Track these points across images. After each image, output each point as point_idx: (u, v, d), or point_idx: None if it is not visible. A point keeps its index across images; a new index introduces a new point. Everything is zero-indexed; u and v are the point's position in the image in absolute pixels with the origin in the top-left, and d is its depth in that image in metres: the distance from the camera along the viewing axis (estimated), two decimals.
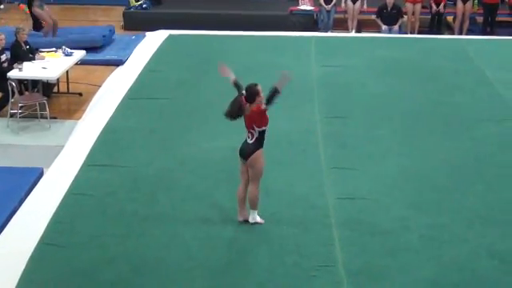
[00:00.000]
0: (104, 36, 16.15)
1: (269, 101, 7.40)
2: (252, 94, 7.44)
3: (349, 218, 7.93)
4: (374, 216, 7.97)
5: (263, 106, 7.40)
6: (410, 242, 7.49)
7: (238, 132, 9.97)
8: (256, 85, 7.51)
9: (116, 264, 7.03)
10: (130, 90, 11.85)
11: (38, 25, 16.51)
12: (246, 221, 7.71)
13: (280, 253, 7.25)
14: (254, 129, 7.47)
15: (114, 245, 7.36)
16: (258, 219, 7.69)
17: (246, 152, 7.52)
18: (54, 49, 13.14)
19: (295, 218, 7.91)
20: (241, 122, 10.30)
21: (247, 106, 7.43)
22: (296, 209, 8.10)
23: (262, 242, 7.44)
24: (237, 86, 7.67)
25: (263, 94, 7.44)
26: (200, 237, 7.50)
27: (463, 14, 17.92)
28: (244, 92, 7.48)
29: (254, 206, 7.64)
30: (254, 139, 7.49)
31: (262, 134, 7.49)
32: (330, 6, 17.99)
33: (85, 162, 9.20)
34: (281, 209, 8.09)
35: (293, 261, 7.11)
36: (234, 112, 7.45)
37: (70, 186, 8.55)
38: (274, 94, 7.38)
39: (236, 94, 7.56)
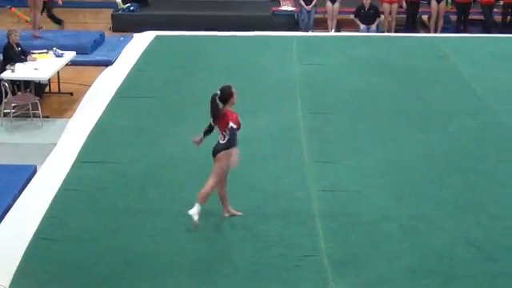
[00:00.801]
0: (95, 41, 16.06)
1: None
2: (226, 94, 7.32)
3: (331, 209, 7.92)
4: (356, 207, 7.97)
5: (231, 124, 7.22)
6: (391, 231, 7.49)
7: None
8: (230, 86, 7.41)
9: (108, 257, 6.99)
10: (119, 89, 11.79)
11: None
12: (232, 215, 7.67)
13: (265, 244, 7.22)
14: (225, 131, 7.31)
15: (105, 238, 7.32)
16: (196, 217, 7.24)
17: (216, 151, 7.38)
18: (45, 50, 13.06)
19: (279, 210, 7.88)
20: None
21: (221, 106, 7.34)
22: (280, 202, 8.08)
23: (247, 234, 7.41)
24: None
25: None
26: (188, 230, 7.45)
27: (438, 13, 17.96)
28: (218, 92, 7.34)
29: (201, 200, 7.32)
30: (225, 140, 7.32)
31: (232, 136, 7.28)
32: (310, 6, 17.96)
33: (76, 158, 9.15)
34: (265, 202, 8.06)
35: (278, 252, 7.09)
36: (213, 113, 7.36)
37: (62, 183, 8.49)
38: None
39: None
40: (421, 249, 7.18)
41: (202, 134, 7.58)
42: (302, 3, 17.98)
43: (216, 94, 7.32)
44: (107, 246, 7.16)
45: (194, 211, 7.29)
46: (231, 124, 7.23)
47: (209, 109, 7.38)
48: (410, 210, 7.93)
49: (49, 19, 17.46)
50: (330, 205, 8.01)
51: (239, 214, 7.69)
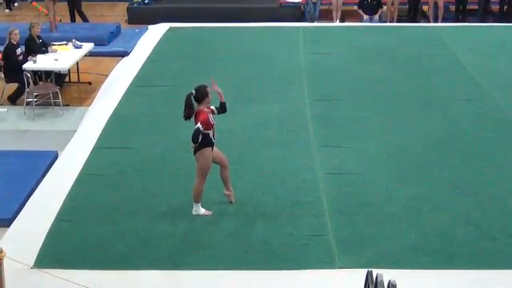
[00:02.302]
0: (112, 33, 16.04)
1: (219, 112, 7.41)
2: (201, 94, 7.15)
3: (337, 191, 7.91)
4: (361, 189, 7.96)
5: (199, 126, 7.06)
6: (394, 211, 7.48)
7: (233, 116, 9.99)
8: (205, 86, 7.24)
9: (126, 237, 7.01)
10: (135, 78, 11.80)
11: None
12: (229, 196, 7.62)
13: (275, 224, 7.23)
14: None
15: (124, 220, 7.34)
16: (202, 211, 7.37)
17: (194, 150, 7.23)
18: (64, 42, 13.06)
19: (288, 192, 7.89)
20: (235, 107, 10.34)
21: (196, 105, 7.17)
22: (288, 184, 8.07)
23: (258, 215, 7.42)
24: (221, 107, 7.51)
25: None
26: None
27: (437, 4, 17.83)
28: (194, 92, 7.16)
29: (196, 199, 7.34)
30: (200, 138, 7.13)
31: (205, 135, 7.13)
32: None
33: (96, 144, 9.17)
34: (274, 184, 8.06)
35: (287, 231, 7.10)
36: (186, 112, 7.18)
37: (82, 167, 8.52)
38: (222, 109, 7.43)
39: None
40: (422, 228, 7.17)
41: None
42: None
43: (191, 94, 7.15)
44: (125, 227, 7.18)
45: (198, 210, 7.36)
46: (198, 125, 7.04)
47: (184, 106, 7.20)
48: (412, 191, 7.92)
49: (77, 15, 17.41)
50: (336, 187, 8.00)
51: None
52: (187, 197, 7.70)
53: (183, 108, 7.19)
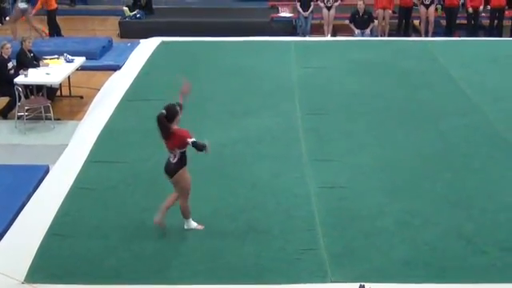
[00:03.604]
0: (103, 47, 16.06)
1: (196, 147, 7.01)
2: (172, 113, 7.00)
3: (329, 205, 7.90)
4: (353, 203, 7.95)
5: (189, 140, 6.94)
6: (386, 225, 7.47)
7: (225, 130, 10.00)
8: (175, 105, 7.11)
9: (118, 252, 6.98)
10: (127, 92, 11.78)
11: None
12: (159, 224, 7.25)
13: (266, 239, 7.21)
14: (175, 150, 7.03)
15: (115, 234, 7.30)
16: (194, 225, 7.32)
17: (169, 171, 7.11)
18: (56, 56, 13.05)
19: (280, 206, 7.87)
20: (228, 120, 10.35)
21: (169, 125, 6.99)
22: (280, 198, 8.06)
23: (249, 229, 7.39)
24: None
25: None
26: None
27: (427, 18, 17.94)
28: (164, 111, 6.99)
29: (186, 216, 7.29)
30: (176, 159, 7.04)
31: (183, 154, 7.04)
32: (307, 12, 17.96)
33: (87, 159, 9.14)
34: (266, 198, 8.05)
35: (279, 246, 7.07)
36: (163, 133, 7.02)
37: (73, 182, 8.48)
38: (200, 148, 7.03)
39: None
40: (414, 242, 7.17)
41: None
42: (300, 10, 17.98)
43: (162, 114, 6.97)
44: (117, 242, 7.15)
45: (190, 225, 7.32)
46: (189, 140, 6.94)
47: (161, 127, 7.04)
48: (404, 205, 7.91)
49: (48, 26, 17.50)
50: (328, 201, 7.99)
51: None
52: (178, 211, 7.67)
53: (159, 130, 7.01)
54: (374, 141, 9.69)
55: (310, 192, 8.18)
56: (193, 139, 6.99)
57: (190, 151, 7.15)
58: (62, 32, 17.75)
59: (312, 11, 17.99)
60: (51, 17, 17.58)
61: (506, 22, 18.27)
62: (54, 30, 17.65)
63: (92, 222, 7.55)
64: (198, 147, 7.01)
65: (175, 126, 7.05)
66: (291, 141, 9.70)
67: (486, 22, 18.37)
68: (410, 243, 7.14)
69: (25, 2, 16.89)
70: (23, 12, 16.78)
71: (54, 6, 17.53)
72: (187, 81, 7.44)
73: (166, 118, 6.99)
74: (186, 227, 7.33)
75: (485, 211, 7.78)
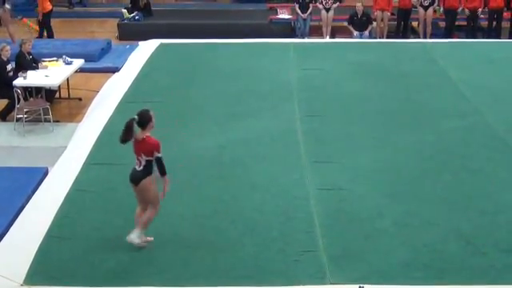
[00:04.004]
0: (102, 49, 16.07)
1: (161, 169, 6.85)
2: (144, 119, 6.83)
3: (328, 207, 7.90)
4: (351, 205, 7.94)
5: (158, 154, 6.78)
6: (385, 227, 7.47)
7: (224, 131, 10.01)
8: (148, 111, 6.92)
9: (117, 254, 6.96)
10: (126, 94, 11.78)
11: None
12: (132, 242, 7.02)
13: (265, 240, 7.20)
14: (141, 156, 6.83)
15: (114, 236, 7.28)
16: (137, 240, 6.93)
17: (135, 179, 6.91)
18: (55, 58, 13.06)
19: (279, 208, 7.86)
20: (227, 122, 10.35)
21: (139, 131, 6.83)
22: (280, 200, 8.05)
23: (248, 230, 7.39)
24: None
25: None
26: (192, 228, 7.46)
27: (426, 20, 17.97)
28: (136, 117, 6.83)
29: (143, 226, 6.97)
30: (141, 167, 6.84)
31: (149, 162, 6.83)
32: (306, 14, 17.99)
33: (86, 160, 9.13)
34: (265, 200, 8.04)
35: (278, 247, 7.07)
36: (123, 136, 6.85)
37: (72, 184, 8.48)
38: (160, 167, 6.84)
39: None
40: (413, 243, 7.16)
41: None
42: (299, 11, 18.00)
43: (133, 119, 6.81)
44: (115, 244, 7.14)
45: (136, 238, 6.94)
46: (157, 154, 6.78)
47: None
48: (403, 206, 7.91)
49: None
50: (327, 202, 7.99)
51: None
52: (179, 213, 7.70)
53: (122, 133, 6.87)
54: (373, 142, 9.69)
55: (309, 194, 8.18)
56: (160, 155, 6.81)
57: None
58: (59, 35, 17.76)
59: (311, 13, 18.02)
60: (45, 19, 17.58)
61: (504, 24, 18.27)
62: (47, 33, 17.65)
63: (91, 224, 7.55)
64: (161, 167, 6.83)
65: (147, 134, 6.86)
66: (290, 142, 9.69)
67: (484, 23, 18.38)
68: (409, 245, 7.13)
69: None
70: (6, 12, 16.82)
71: (49, 8, 17.52)
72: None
73: (138, 124, 6.82)
74: (133, 239, 6.93)
75: (484, 213, 7.78)
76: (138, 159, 6.90)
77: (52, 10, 17.75)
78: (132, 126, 6.82)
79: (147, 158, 6.84)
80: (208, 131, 10.03)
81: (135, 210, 7.27)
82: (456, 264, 6.82)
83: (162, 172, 6.91)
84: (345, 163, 9.00)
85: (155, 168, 6.90)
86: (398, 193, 8.24)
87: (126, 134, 6.85)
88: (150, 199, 6.99)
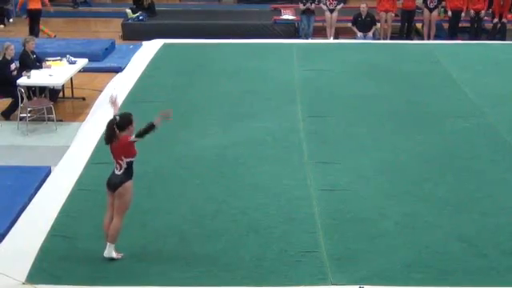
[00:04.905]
0: (106, 49, 16.09)
1: (140, 134, 6.57)
2: (124, 121, 6.66)
3: (330, 207, 7.90)
4: (354, 205, 7.94)
5: (131, 138, 6.59)
6: (387, 228, 7.47)
7: (227, 132, 10.01)
8: (130, 114, 6.76)
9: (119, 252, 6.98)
10: (129, 94, 11.79)
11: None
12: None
13: (268, 241, 7.20)
14: (122, 159, 6.68)
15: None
16: (114, 254, 6.79)
17: (114, 183, 6.72)
18: (59, 58, 13.07)
19: (281, 208, 7.86)
20: (230, 122, 10.36)
21: (118, 133, 6.66)
22: (282, 200, 8.05)
23: (251, 231, 7.39)
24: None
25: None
26: (195, 227, 7.46)
27: (430, 21, 17.97)
28: (117, 118, 6.68)
29: (113, 240, 6.77)
30: (122, 170, 6.70)
31: (130, 164, 6.69)
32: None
33: (89, 160, 9.14)
34: (267, 200, 8.04)
35: (279, 248, 7.07)
36: (107, 136, 6.70)
37: (75, 183, 8.49)
38: (148, 128, 6.54)
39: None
40: (415, 245, 7.15)
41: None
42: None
43: (114, 120, 6.67)
44: (118, 243, 7.11)
45: (111, 252, 6.80)
46: (132, 137, 6.61)
47: (142, 127, 6.67)
48: (405, 207, 7.91)
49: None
50: (329, 203, 7.99)
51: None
52: (181, 213, 7.70)
53: (105, 133, 6.77)
54: (376, 143, 9.68)
55: (312, 194, 8.18)
56: (133, 136, 6.61)
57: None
58: (63, 34, 17.79)
59: (314, 12, 17.97)
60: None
61: (509, 26, 18.25)
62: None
63: (93, 223, 7.53)
64: (146, 130, 6.54)
65: (124, 137, 6.69)
66: (293, 143, 9.69)
67: (488, 25, 18.36)
68: (410, 246, 7.13)
69: None
70: None
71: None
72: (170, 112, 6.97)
73: (117, 126, 6.67)
74: (106, 255, 6.80)
75: (486, 214, 7.77)
76: (118, 163, 6.72)
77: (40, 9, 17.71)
78: (113, 126, 6.68)
79: (127, 160, 6.70)
80: (211, 131, 10.03)
81: (136, 208, 7.27)
82: (457, 266, 6.81)
83: (151, 129, 6.57)
84: (347, 164, 9.00)
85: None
86: (400, 194, 8.23)
87: (109, 134, 6.69)
88: (124, 205, 6.78)
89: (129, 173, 6.74)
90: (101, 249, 7.01)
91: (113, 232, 6.79)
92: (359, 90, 11.88)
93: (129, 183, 6.74)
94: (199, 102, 11.28)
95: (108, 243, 6.82)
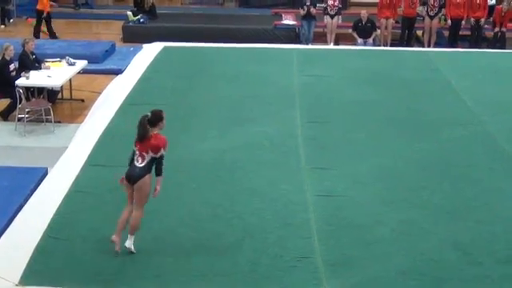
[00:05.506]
0: (106, 51, 16.10)
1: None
2: (156, 118, 6.92)
3: (326, 213, 7.89)
4: (350, 211, 7.94)
5: (162, 151, 6.86)
6: (383, 235, 7.46)
7: (226, 136, 10.02)
8: (161, 111, 7.02)
9: (113, 256, 6.94)
10: (128, 96, 11.79)
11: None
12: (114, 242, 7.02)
13: (263, 245, 7.19)
14: (147, 153, 6.85)
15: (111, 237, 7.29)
16: (133, 247, 6.95)
17: (134, 176, 6.88)
18: (58, 59, 13.07)
19: (277, 213, 7.86)
20: (228, 127, 10.36)
21: (149, 128, 6.89)
22: (278, 205, 8.05)
23: (246, 235, 7.38)
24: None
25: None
26: (191, 231, 7.45)
27: (430, 29, 17.99)
28: (149, 114, 6.94)
29: (133, 231, 6.96)
30: (144, 163, 6.85)
31: (153, 159, 6.87)
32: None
33: (86, 162, 9.14)
34: (264, 205, 8.03)
35: (275, 253, 7.06)
36: (140, 133, 6.89)
37: (72, 184, 8.48)
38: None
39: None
40: (411, 252, 7.15)
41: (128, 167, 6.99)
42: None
43: (146, 116, 6.92)
44: (113, 246, 7.12)
45: (131, 244, 6.95)
46: (162, 151, 6.86)
47: (143, 128, 6.91)
48: (402, 214, 7.90)
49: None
50: (325, 209, 7.98)
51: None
52: (177, 216, 7.69)
53: (138, 130, 6.93)
54: (374, 150, 9.68)
55: (308, 200, 8.17)
56: (164, 153, 6.89)
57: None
58: (64, 36, 17.82)
59: (315, 18, 17.98)
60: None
61: (509, 34, 18.26)
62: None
63: (89, 225, 7.54)
64: (161, 166, 6.92)
65: (156, 132, 6.94)
66: (291, 148, 9.69)
67: (489, 33, 18.37)
68: (406, 253, 7.13)
69: None
70: None
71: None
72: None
73: (149, 122, 6.91)
74: (127, 245, 6.94)
75: (482, 222, 7.77)
76: (141, 155, 6.88)
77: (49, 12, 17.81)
78: (145, 122, 6.90)
79: (153, 155, 6.87)
80: (209, 135, 10.03)
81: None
82: (452, 273, 6.80)
83: (161, 171, 6.96)
84: (344, 170, 8.99)
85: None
86: (396, 201, 8.23)
87: (143, 131, 6.89)
88: (144, 198, 6.96)
89: (150, 167, 6.89)
90: (96, 251, 7.03)
91: (134, 223, 6.95)
92: (358, 96, 11.89)
93: (148, 176, 6.87)
94: (198, 106, 11.28)
95: (129, 235, 6.94)
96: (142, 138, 6.91)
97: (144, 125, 6.90)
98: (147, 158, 6.88)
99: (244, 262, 6.91)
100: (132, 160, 6.98)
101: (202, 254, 7.03)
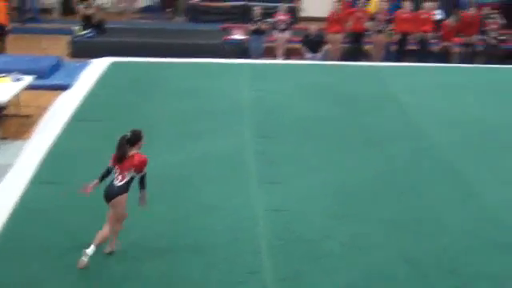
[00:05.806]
0: (53, 66, 15.89)
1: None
2: (136, 137, 7.04)
3: (276, 228, 7.91)
4: (299, 226, 7.97)
5: (144, 170, 7.01)
6: (332, 249, 7.51)
7: (175, 151, 9.98)
8: (140, 131, 7.14)
9: (61, 274, 6.87)
10: (76, 112, 11.68)
11: None
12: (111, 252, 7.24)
13: (212, 261, 7.19)
14: (128, 171, 6.96)
15: (58, 255, 7.21)
16: (87, 258, 6.94)
17: (113, 194, 6.97)
18: (3, 74, 12.86)
19: (226, 229, 7.85)
20: (178, 142, 10.32)
21: (128, 148, 7.00)
22: (228, 220, 8.05)
23: (196, 251, 7.37)
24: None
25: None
26: (139, 246, 7.40)
27: (379, 44, 18.20)
28: (128, 134, 7.03)
29: (97, 243, 7.01)
30: (123, 182, 6.95)
31: (132, 179, 6.99)
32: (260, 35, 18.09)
33: (33, 179, 9.01)
34: (213, 221, 8.03)
35: (224, 268, 7.06)
36: (120, 154, 6.98)
37: (18, 201, 8.35)
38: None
39: None
40: (360, 265, 7.21)
41: (97, 180, 7.11)
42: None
43: (125, 136, 7.02)
44: (60, 264, 7.04)
45: (88, 253, 6.95)
46: (145, 171, 7.00)
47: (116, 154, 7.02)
48: (351, 228, 7.96)
49: None
50: (275, 223, 8.00)
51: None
52: (126, 235, 7.61)
53: (117, 150, 7.02)
54: (322, 164, 9.75)
55: (258, 214, 8.19)
56: (145, 173, 7.05)
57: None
58: (12, 51, 17.54)
59: (265, 34, 18.08)
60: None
61: (455, 49, 18.58)
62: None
63: (35, 243, 7.43)
64: (143, 183, 7.07)
65: (135, 151, 7.04)
66: (240, 163, 9.71)
67: (435, 48, 18.65)
68: (355, 266, 7.18)
69: None
70: None
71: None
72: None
73: (128, 141, 6.99)
74: (88, 252, 6.97)
75: (430, 235, 7.88)
76: (121, 174, 6.95)
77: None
78: (124, 142, 6.97)
79: (133, 174, 6.95)
80: (159, 150, 9.95)
81: (81, 228, 7.20)
82: (400, 286, 6.87)
83: (144, 186, 7.09)
84: (293, 184, 9.04)
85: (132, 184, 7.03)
86: (345, 215, 8.29)
87: (122, 151, 6.98)
88: (116, 215, 7.04)
89: (128, 185, 6.97)
90: (44, 270, 6.91)
91: (99, 236, 7.01)
92: (307, 111, 11.97)
93: (124, 196, 6.96)
94: (148, 121, 11.17)
95: (91, 245, 6.96)
96: (121, 157, 6.97)
97: (123, 145, 6.97)
98: (127, 176, 6.97)
99: (193, 278, 6.89)
100: (103, 176, 7.08)
101: (150, 270, 6.99)
